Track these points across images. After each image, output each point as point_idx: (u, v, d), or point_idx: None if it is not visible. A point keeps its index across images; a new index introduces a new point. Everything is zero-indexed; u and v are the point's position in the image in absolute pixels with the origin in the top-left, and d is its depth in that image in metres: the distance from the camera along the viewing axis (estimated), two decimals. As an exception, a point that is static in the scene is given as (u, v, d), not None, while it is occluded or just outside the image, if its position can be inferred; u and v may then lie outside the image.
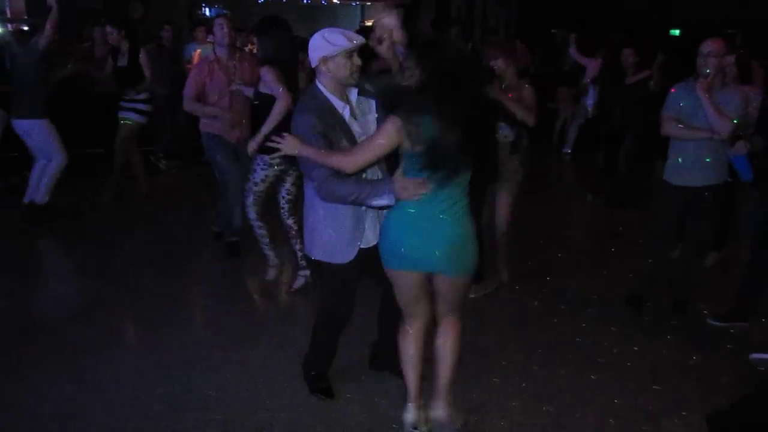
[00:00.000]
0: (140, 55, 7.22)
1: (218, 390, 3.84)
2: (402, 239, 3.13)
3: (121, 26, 7.17)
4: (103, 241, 6.39)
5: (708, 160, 4.54)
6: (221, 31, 5.63)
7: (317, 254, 3.50)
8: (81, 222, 6.94)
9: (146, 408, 3.67)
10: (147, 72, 7.26)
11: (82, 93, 8.38)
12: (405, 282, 3.25)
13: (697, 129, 4.49)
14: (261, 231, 5.26)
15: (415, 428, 3.36)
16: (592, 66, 9.25)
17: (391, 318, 3.62)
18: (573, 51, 9.68)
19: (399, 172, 3.12)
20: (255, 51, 6.01)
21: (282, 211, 5.11)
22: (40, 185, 6.74)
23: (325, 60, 3.27)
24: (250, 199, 5.11)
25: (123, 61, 7.21)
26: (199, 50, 11.11)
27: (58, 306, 5.17)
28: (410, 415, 3.36)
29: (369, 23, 15.86)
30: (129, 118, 7.35)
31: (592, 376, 4.08)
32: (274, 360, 4.19)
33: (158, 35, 9.68)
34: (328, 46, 3.25)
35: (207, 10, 16.01)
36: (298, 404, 3.73)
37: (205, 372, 4.04)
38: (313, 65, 3.33)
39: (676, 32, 17.74)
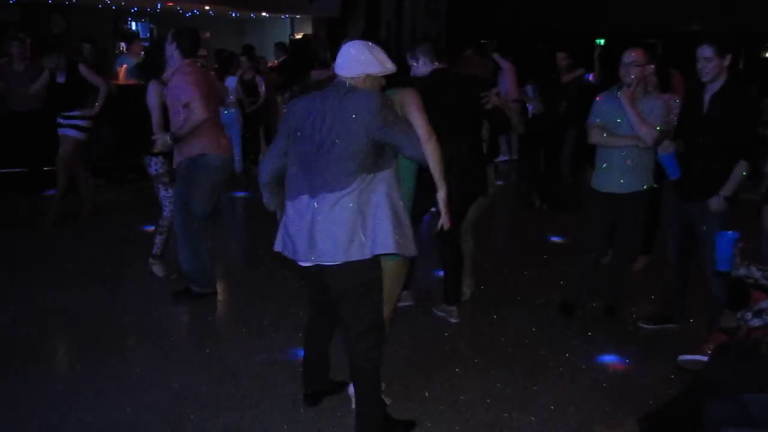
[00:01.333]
0: (81, 70, 7.04)
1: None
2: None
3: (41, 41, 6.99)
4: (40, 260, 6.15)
5: (633, 166, 4.65)
6: None
7: None
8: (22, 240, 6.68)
9: None
10: (99, 83, 7.17)
11: None
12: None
13: (622, 137, 4.60)
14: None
15: None
16: (508, 67, 9.85)
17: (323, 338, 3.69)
18: (496, 55, 10.20)
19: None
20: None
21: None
22: None
23: (368, 77, 3.22)
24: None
25: (62, 78, 7.01)
26: (124, 65, 10.90)
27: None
28: None
29: (299, 36, 15.86)
30: (69, 135, 7.12)
31: (526, 383, 4.09)
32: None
33: (80, 50, 9.41)
34: (378, 65, 3.21)
35: (133, 24, 15.71)
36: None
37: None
38: (350, 75, 3.22)
39: (601, 41, 18.22)
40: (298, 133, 3.22)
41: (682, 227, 4.58)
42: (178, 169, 5.14)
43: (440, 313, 4.98)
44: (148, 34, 15.76)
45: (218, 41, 14.52)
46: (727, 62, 4.22)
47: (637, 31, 15.24)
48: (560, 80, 8.03)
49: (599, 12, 17.58)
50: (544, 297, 5.37)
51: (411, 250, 3.27)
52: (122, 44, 12.55)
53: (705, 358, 3.86)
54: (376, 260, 3.22)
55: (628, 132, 4.57)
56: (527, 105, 8.76)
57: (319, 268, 3.23)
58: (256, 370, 4.18)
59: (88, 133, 7.33)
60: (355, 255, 3.12)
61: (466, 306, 5.18)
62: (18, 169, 7.15)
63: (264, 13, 16.75)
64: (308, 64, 11.32)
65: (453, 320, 4.91)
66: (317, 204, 3.14)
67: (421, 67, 4.71)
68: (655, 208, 5.45)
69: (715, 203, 4.28)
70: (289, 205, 3.27)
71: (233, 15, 16.51)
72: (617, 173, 4.69)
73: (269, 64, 12.09)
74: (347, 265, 3.14)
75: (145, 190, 6.09)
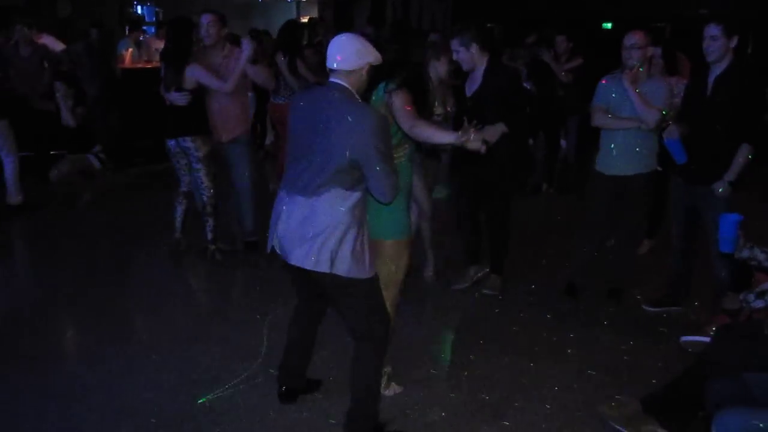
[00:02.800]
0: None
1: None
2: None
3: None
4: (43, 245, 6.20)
5: (637, 149, 4.66)
6: (205, 30, 5.49)
7: None
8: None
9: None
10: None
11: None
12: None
13: (625, 119, 4.61)
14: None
15: None
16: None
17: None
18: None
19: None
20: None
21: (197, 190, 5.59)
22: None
23: (369, 67, 3.18)
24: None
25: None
26: (130, 49, 10.92)
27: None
28: None
29: (304, 20, 15.80)
30: None
31: (530, 365, 4.13)
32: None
33: (87, 34, 9.42)
34: (374, 54, 3.18)
35: (139, 8, 15.67)
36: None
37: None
38: (352, 68, 3.13)
39: (608, 25, 18.12)
40: (292, 130, 3.26)
41: (687, 211, 4.59)
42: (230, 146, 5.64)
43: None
44: (154, 18, 15.72)
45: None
46: (733, 44, 4.21)
47: (645, 14, 15.14)
48: (547, 64, 7.81)
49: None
50: (549, 279, 5.38)
51: (366, 273, 3.14)
52: (127, 28, 12.56)
53: (707, 339, 3.89)
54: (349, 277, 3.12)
55: (631, 114, 4.58)
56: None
57: (298, 268, 3.17)
58: (264, 353, 4.22)
59: None
60: (323, 267, 3.07)
61: (470, 290, 5.21)
62: (25, 153, 7.15)
63: (269, -4, 16.73)
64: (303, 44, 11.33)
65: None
66: (288, 203, 3.17)
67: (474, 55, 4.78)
68: (660, 192, 5.46)
69: (719, 187, 4.28)
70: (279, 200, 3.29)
71: (239, -2, 16.48)
72: (621, 156, 4.70)
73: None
74: (325, 276, 3.10)
75: (153, 173, 6.11)
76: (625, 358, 4.26)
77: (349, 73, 3.14)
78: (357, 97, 3.17)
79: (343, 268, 3.07)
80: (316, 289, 3.38)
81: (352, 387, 3.30)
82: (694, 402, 3.16)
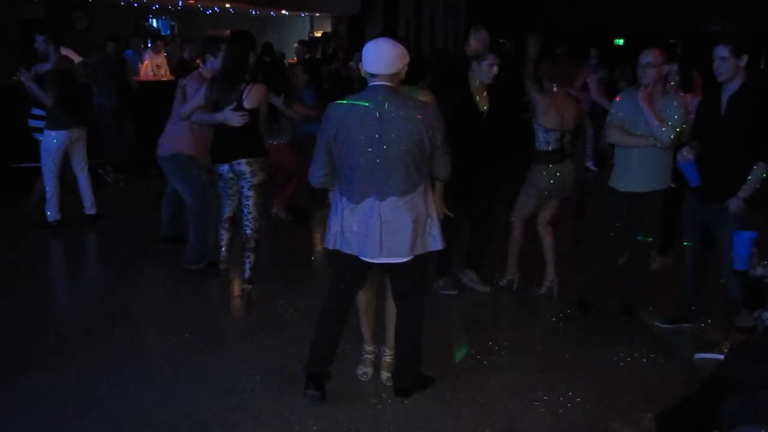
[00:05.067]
0: None
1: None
2: None
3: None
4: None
5: (651, 166, 4.67)
6: None
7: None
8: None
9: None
10: None
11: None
12: None
13: (641, 136, 4.62)
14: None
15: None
16: None
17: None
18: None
19: None
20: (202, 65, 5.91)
21: (244, 218, 5.10)
22: None
23: (404, 69, 3.52)
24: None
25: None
26: (146, 62, 11.04)
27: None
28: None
29: (318, 34, 15.93)
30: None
31: (542, 380, 4.12)
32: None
33: (103, 47, 9.54)
34: (407, 56, 3.51)
35: (154, 21, 15.84)
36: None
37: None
38: (393, 71, 3.45)
39: (620, 42, 18.18)
40: (348, 141, 3.41)
41: (700, 228, 4.58)
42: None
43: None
44: (169, 32, 15.89)
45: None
46: (743, 62, 4.22)
47: (657, 31, 15.17)
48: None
49: (619, 12, 17.53)
50: (561, 294, 5.38)
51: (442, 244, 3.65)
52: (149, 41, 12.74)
53: (721, 357, 3.87)
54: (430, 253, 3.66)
55: (646, 132, 4.59)
56: None
57: (386, 265, 3.61)
58: (276, 363, 4.24)
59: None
60: (418, 250, 3.53)
61: (482, 304, 5.21)
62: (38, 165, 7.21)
63: (284, 11, 16.84)
64: (324, 60, 11.44)
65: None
66: (386, 206, 3.45)
67: None
68: (674, 209, 5.46)
69: (734, 205, 4.28)
70: (351, 207, 3.52)
71: (253, 13, 16.61)
72: (636, 173, 4.71)
73: (289, 61, 12.18)
74: (414, 260, 3.54)
75: (166, 186, 6.14)
76: (638, 374, 4.25)
77: (392, 76, 3.44)
78: (400, 93, 3.48)
79: (438, 242, 3.62)
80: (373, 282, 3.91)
81: (402, 342, 3.79)
82: (708, 420, 3.14)
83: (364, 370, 4.05)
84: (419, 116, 3.38)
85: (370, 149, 3.38)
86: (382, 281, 3.97)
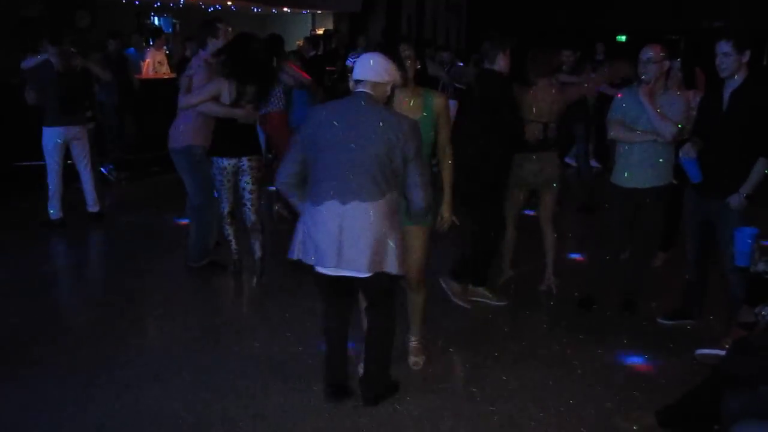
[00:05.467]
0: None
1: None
2: None
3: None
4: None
5: (653, 162, 4.66)
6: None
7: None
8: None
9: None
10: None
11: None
12: None
13: (641, 132, 4.61)
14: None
15: None
16: None
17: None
18: None
19: None
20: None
21: (245, 208, 5.36)
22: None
23: (390, 85, 3.50)
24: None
25: None
26: (148, 60, 11.05)
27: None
28: None
29: (320, 32, 15.92)
30: None
31: (545, 377, 4.13)
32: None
33: (104, 45, 9.55)
34: (398, 79, 3.55)
35: (156, 19, 15.83)
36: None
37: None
38: (378, 80, 3.42)
39: (623, 38, 18.15)
40: (321, 142, 3.36)
41: (701, 224, 4.58)
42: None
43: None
44: (171, 29, 15.88)
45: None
46: (745, 58, 4.21)
47: (660, 27, 15.15)
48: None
49: (621, 8, 17.50)
50: (563, 291, 5.38)
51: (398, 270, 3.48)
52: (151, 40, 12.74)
53: (723, 353, 3.87)
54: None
55: (647, 128, 4.59)
56: None
57: (348, 280, 3.45)
58: (278, 360, 4.24)
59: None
60: (376, 267, 3.36)
61: (484, 302, 5.21)
62: (41, 163, 7.22)
63: (285, 9, 16.82)
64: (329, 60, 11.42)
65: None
66: (347, 211, 3.31)
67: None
68: (675, 205, 5.45)
69: (735, 201, 4.28)
70: (314, 210, 3.39)
71: (255, 10, 16.59)
72: (637, 169, 4.70)
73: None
74: (375, 276, 3.39)
75: (168, 184, 6.14)
76: (640, 370, 4.25)
77: (376, 84, 3.40)
78: (379, 102, 3.41)
79: (391, 266, 3.41)
80: (354, 294, 3.74)
81: (371, 353, 3.69)
82: (710, 415, 3.15)
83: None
84: (394, 124, 3.32)
85: (339, 149, 3.33)
86: None
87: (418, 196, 3.43)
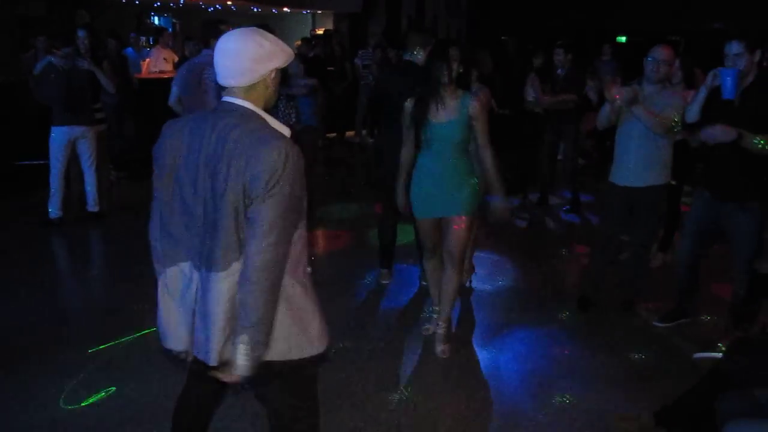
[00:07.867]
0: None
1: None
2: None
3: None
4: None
5: (650, 160, 4.65)
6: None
7: None
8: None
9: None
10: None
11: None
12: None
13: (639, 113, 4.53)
14: None
15: None
16: None
17: None
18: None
19: None
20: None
21: None
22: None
23: (276, 73, 2.34)
24: None
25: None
26: (148, 59, 11.05)
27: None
28: None
29: (320, 31, 15.92)
30: None
31: (542, 377, 4.13)
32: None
33: (105, 45, 9.53)
34: (285, 54, 2.33)
35: (156, 19, 15.85)
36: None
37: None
38: (251, 82, 2.24)
39: (623, 39, 18.14)
40: (178, 172, 2.33)
41: (706, 225, 4.51)
42: None
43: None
44: (171, 29, 15.89)
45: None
46: (757, 58, 4.13)
47: (660, 28, 15.15)
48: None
49: (622, 9, 17.50)
50: (560, 292, 5.39)
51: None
52: (142, 38, 12.77)
53: (720, 356, 3.87)
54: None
55: (642, 130, 4.56)
56: None
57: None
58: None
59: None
60: (225, 355, 2.27)
61: (482, 300, 5.21)
62: (42, 162, 7.21)
63: (285, 9, 16.82)
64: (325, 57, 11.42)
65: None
66: (199, 280, 2.32)
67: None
68: (673, 205, 5.45)
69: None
70: (162, 277, 2.50)
71: (255, 10, 16.59)
72: (635, 167, 4.69)
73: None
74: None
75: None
76: (638, 370, 4.26)
77: (248, 89, 2.27)
78: (262, 117, 2.27)
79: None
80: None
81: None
82: (706, 416, 3.15)
83: (426, 326, 4.65)
84: (259, 152, 2.12)
85: (193, 187, 2.27)
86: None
87: (254, 261, 2.12)
